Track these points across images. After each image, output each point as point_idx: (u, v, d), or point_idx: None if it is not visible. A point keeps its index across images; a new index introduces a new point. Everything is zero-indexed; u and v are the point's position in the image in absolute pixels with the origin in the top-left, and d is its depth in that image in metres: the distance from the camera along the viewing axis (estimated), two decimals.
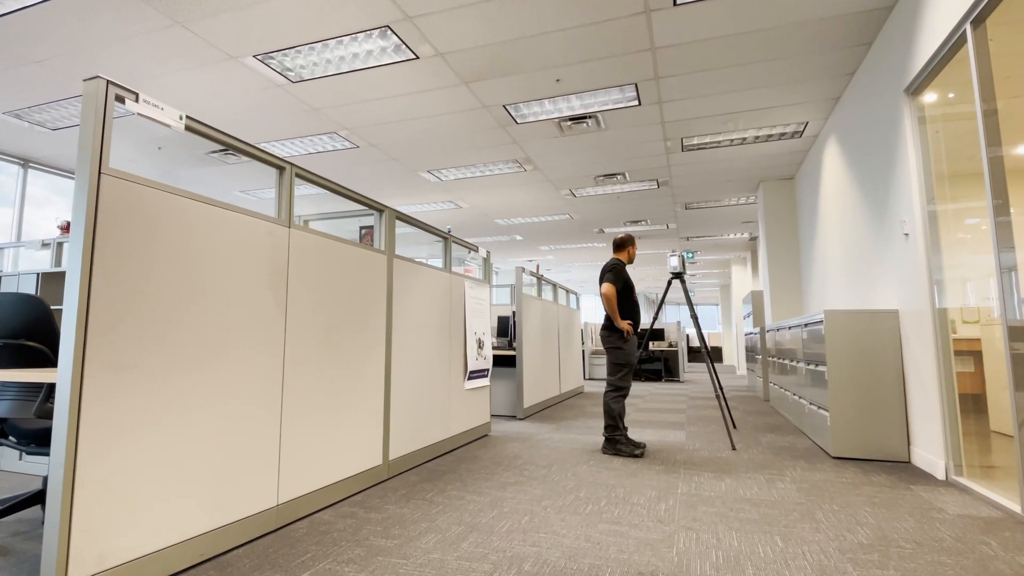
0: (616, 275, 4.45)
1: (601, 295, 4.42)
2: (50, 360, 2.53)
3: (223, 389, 2.42)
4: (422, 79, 5.11)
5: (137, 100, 2.11)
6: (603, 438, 4.50)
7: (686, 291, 5.40)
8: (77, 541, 1.86)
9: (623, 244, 4.67)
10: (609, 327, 4.52)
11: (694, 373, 15.12)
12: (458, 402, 4.71)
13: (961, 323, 3.48)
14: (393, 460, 3.71)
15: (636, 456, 4.25)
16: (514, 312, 6.76)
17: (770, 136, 6.51)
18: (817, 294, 6.83)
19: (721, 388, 5.31)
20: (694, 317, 5.41)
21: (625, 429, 4.42)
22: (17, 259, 6.80)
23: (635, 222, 11.01)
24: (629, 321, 4.49)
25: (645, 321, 22.76)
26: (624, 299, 4.52)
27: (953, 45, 3.23)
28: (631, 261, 4.72)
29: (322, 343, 3.06)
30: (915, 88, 3.77)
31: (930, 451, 3.70)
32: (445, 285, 4.62)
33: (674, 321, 13.32)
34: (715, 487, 3.40)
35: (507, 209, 10.12)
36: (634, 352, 4.48)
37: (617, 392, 4.44)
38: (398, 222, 4.07)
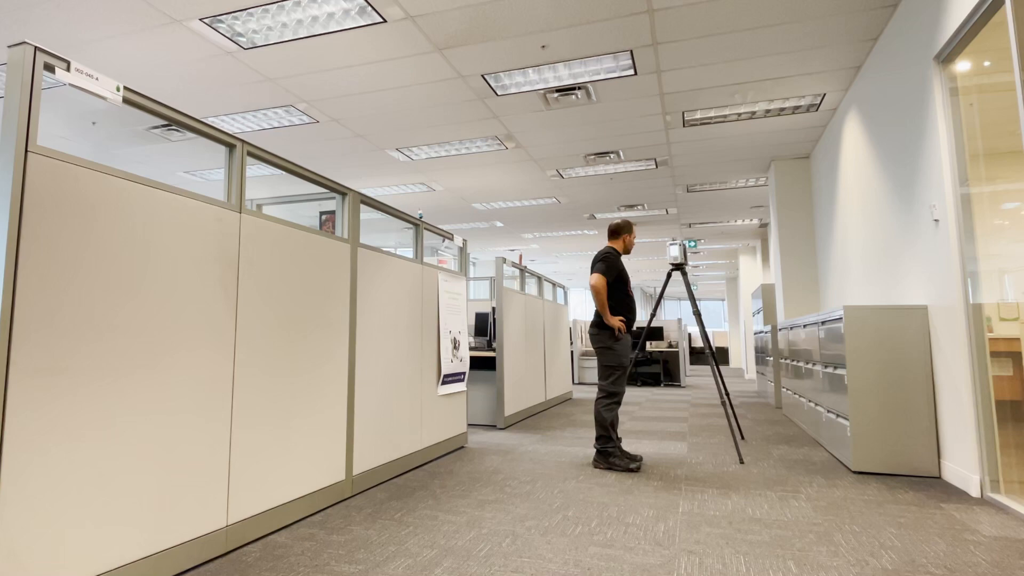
0: (608, 265, 4.43)
1: (590, 287, 4.41)
2: None
3: (166, 395, 2.44)
4: (390, 45, 5.05)
5: (69, 69, 2.13)
6: (594, 450, 4.49)
7: (688, 285, 5.39)
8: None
9: (619, 231, 4.67)
10: (599, 324, 4.51)
11: (697, 377, 15.21)
12: (431, 410, 4.72)
13: (998, 320, 3.49)
14: (358, 475, 3.72)
15: (631, 471, 4.24)
16: (494, 308, 6.73)
17: (783, 110, 6.52)
18: (836, 288, 6.85)
19: (727, 394, 5.32)
20: (697, 314, 5.39)
21: (619, 440, 4.40)
22: None
23: (630, 207, 11.02)
24: (621, 318, 4.48)
25: (642, 318, 22.86)
26: (616, 293, 4.51)
27: (989, 7, 3.22)
28: (628, 251, 4.71)
29: (277, 343, 3.07)
30: (946, 55, 3.76)
31: (963, 465, 3.71)
32: (416, 278, 4.62)
33: (674, 318, 13.36)
34: (720, 505, 3.40)
35: (486, 192, 10.09)
36: (627, 353, 4.48)
37: (609, 399, 4.43)
38: (363, 207, 4.07)
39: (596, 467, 4.36)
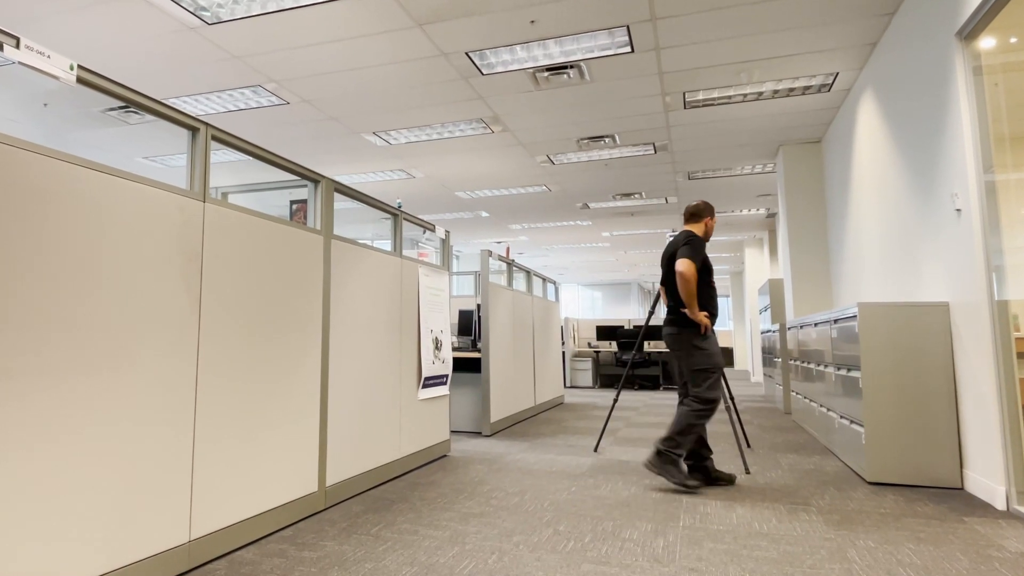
0: (694, 249, 4.15)
1: (678, 275, 4.10)
2: None
3: (124, 401, 2.42)
4: (367, 20, 5.01)
5: (18, 46, 2.11)
6: (654, 450, 4.13)
7: None
8: None
9: (699, 214, 4.42)
10: (680, 322, 4.25)
11: None
12: (411, 415, 4.72)
13: None
14: (331, 487, 3.73)
15: (686, 487, 4.05)
16: (479, 305, 6.71)
17: (792, 90, 6.53)
18: (849, 283, 6.88)
19: (732, 398, 5.32)
20: None
21: (710, 454, 4.21)
22: None
23: (627, 195, 11.03)
24: (706, 313, 4.24)
25: (640, 317, 22.90)
26: (701, 284, 4.27)
27: None
28: (708, 237, 4.43)
29: (244, 344, 3.07)
30: (969, 31, 3.76)
31: (987, 475, 3.73)
32: (395, 272, 4.61)
33: None
34: (725, 519, 3.39)
35: (470, 179, 10.08)
36: (719, 351, 4.22)
37: (704, 406, 4.09)
38: (337, 195, 4.07)
39: (647, 467, 4.11)
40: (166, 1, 4.77)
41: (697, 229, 4.38)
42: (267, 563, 2.76)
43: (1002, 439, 3.55)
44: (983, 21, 3.62)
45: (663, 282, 4.46)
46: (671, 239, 4.46)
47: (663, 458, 4.07)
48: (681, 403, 4.25)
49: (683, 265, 4.06)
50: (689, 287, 4.05)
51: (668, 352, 12.42)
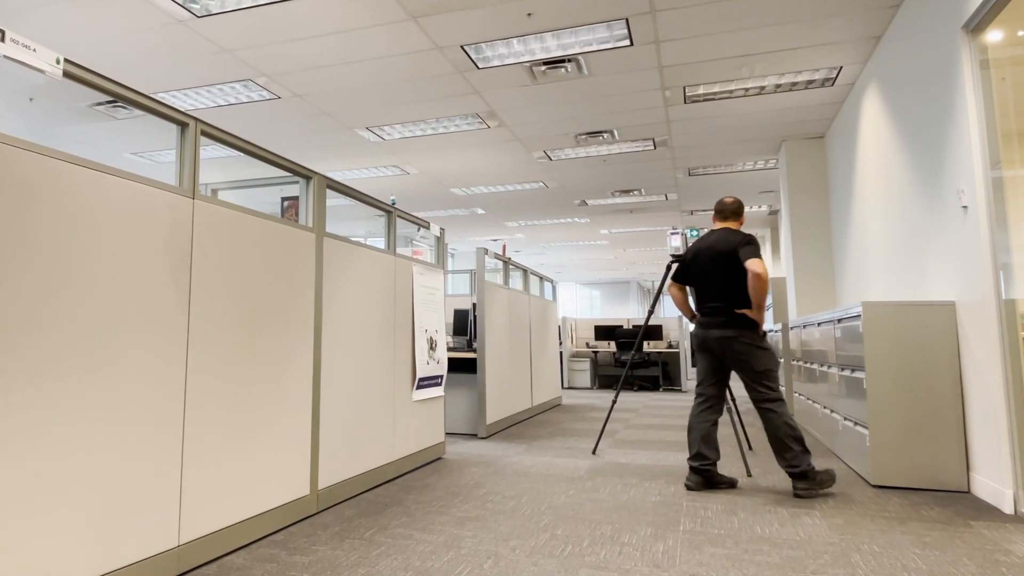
0: (758, 249, 4.11)
1: (754, 276, 3.99)
2: None
3: (110, 402, 2.41)
4: (360, 12, 5.01)
5: (3, 39, 2.11)
6: (793, 473, 3.99)
7: None
8: None
9: (740, 211, 4.41)
10: (739, 324, 4.14)
11: None
12: (405, 417, 4.71)
13: None
14: (324, 490, 3.72)
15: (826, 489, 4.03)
16: (474, 304, 6.69)
17: (795, 84, 6.53)
18: (853, 282, 6.88)
19: (733, 399, 5.32)
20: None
21: (717, 457, 4.18)
22: None
23: (626, 192, 11.03)
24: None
25: (639, 316, 22.91)
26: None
27: None
28: None
29: (234, 344, 3.07)
30: (976, 24, 3.76)
31: (995, 478, 3.73)
32: (389, 270, 4.60)
33: (674, 316, 13.39)
34: (726, 523, 3.39)
35: (466, 176, 10.08)
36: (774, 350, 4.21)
37: (783, 403, 4.06)
38: (330, 192, 4.06)
39: (801, 495, 3.96)
40: None
41: (737, 226, 4.39)
42: (258, 568, 2.75)
43: (1010, 441, 3.55)
44: (990, 13, 3.62)
45: (702, 281, 4.32)
46: (707, 236, 4.37)
47: (806, 478, 3.96)
48: (761, 411, 4.10)
49: (760, 266, 3.98)
50: (764, 289, 3.99)
51: (666, 351, 12.42)
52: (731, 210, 4.40)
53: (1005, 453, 3.57)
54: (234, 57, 5.87)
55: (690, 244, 4.58)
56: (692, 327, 4.49)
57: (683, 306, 4.51)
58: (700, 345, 4.32)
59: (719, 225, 4.42)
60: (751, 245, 4.11)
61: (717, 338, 4.18)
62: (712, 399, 4.30)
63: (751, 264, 4.00)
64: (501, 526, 3.37)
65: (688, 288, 4.56)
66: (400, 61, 5.96)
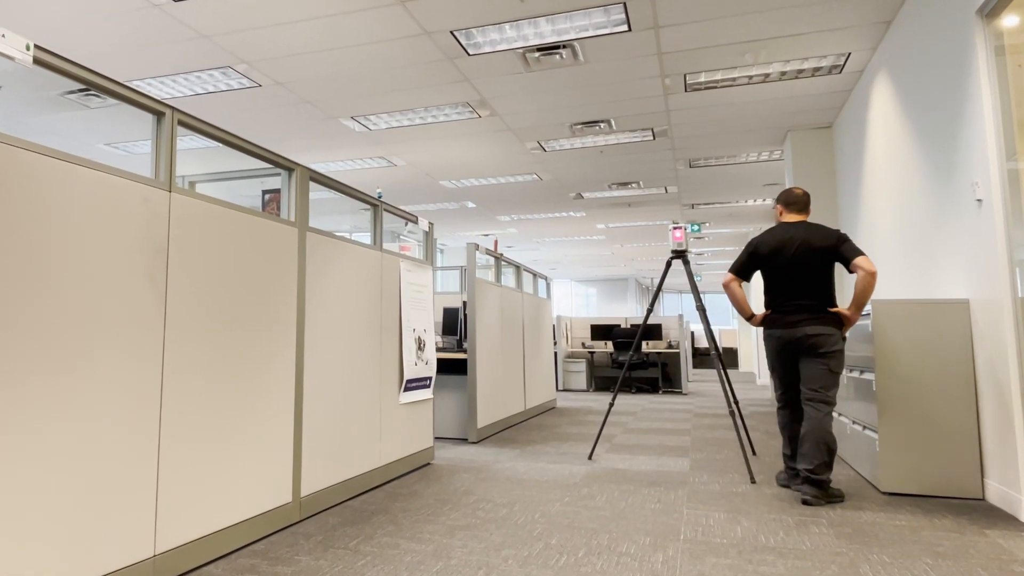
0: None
1: (869, 275, 3.89)
2: None
3: (82, 406, 2.41)
4: None
5: None
6: (809, 479, 3.99)
7: (691, 275, 5.39)
8: None
9: (809, 202, 4.36)
10: (836, 323, 4.08)
11: (701, 383, 15.32)
12: (393, 421, 4.72)
13: None
14: (307, 497, 3.73)
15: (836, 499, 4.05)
16: (465, 302, 6.68)
17: (801, 72, 6.54)
18: None
19: (736, 402, 5.32)
20: (701, 309, 5.38)
21: (831, 470, 4.11)
22: None
23: (624, 184, 11.04)
24: None
25: (638, 315, 22.93)
26: None
27: None
28: None
29: (213, 344, 3.08)
30: (991, 8, 3.76)
31: (1010, 485, 3.73)
32: (375, 267, 4.60)
33: (674, 314, 13.40)
34: (728, 532, 3.39)
35: (456, 167, 10.09)
36: None
37: (832, 410, 4.07)
38: (313, 184, 4.07)
39: (808, 502, 3.93)
40: None
41: (809, 218, 4.29)
42: None
43: None
44: None
45: (787, 277, 4.18)
46: (786, 229, 4.25)
47: (821, 486, 3.96)
48: (806, 408, 4.10)
49: (870, 264, 3.89)
50: (873, 287, 3.92)
51: (666, 352, 12.42)
52: (805, 202, 4.32)
53: (1021, 459, 3.57)
54: (212, 43, 5.85)
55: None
56: (763, 329, 4.34)
57: (744, 304, 4.39)
58: (785, 347, 4.19)
59: (794, 218, 4.32)
60: (851, 242, 4.04)
61: (810, 335, 4.06)
62: (797, 403, 4.30)
63: (862, 262, 3.91)
64: (493, 535, 3.36)
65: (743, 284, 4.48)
66: (387, 47, 5.94)
